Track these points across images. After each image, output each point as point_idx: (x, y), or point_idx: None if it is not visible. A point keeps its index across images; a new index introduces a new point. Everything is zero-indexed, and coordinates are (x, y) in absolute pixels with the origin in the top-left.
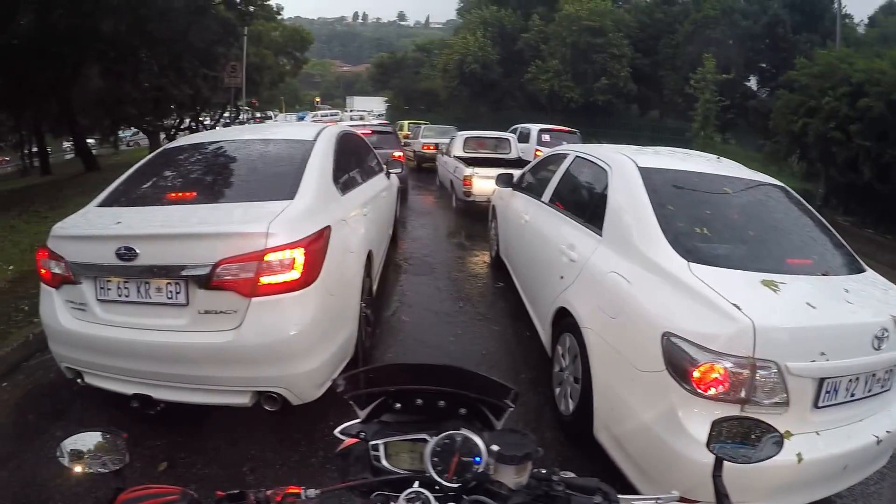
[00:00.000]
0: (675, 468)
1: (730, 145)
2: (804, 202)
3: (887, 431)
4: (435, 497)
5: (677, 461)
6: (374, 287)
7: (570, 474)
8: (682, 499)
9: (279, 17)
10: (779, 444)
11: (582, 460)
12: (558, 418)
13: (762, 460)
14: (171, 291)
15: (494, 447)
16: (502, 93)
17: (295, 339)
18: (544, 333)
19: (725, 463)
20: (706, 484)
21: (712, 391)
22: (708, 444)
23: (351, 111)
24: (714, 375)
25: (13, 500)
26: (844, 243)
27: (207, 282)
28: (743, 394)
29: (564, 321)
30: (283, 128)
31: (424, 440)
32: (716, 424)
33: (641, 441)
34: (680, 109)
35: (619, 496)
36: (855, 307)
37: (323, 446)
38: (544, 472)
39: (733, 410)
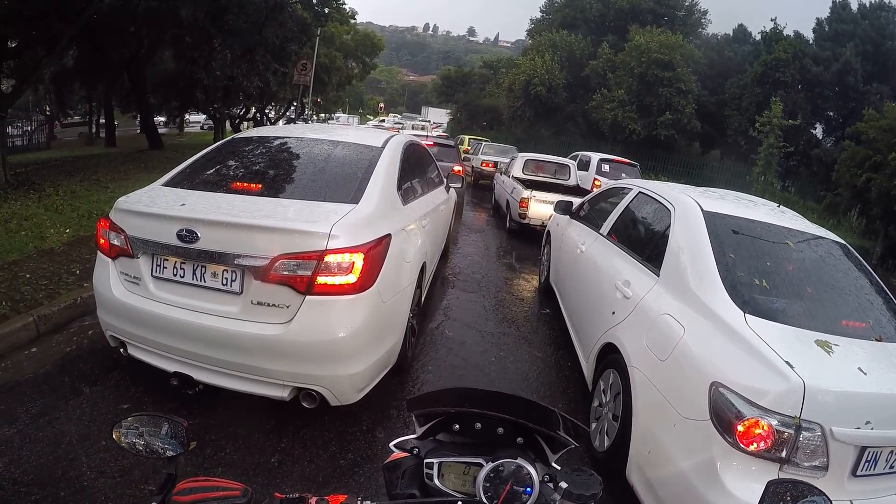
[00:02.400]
0: None
1: (789, 193)
2: (863, 261)
3: None
4: None
5: None
6: (423, 298)
7: None
8: None
9: (353, 21)
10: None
11: (609, 500)
12: (591, 454)
13: None
14: (226, 278)
15: (563, 483)
16: (565, 118)
17: (344, 342)
18: (587, 366)
19: None
20: None
21: (754, 447)
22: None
23: (419, 120)
24: (758, 431)
25: (38, 457)
26: None
27: (264, 274)
28: (784, 453)
29: (610, 357)
30: (351, 131)
31: (480, 464)
32: (770, 486)
33: (675, 488)
34: (742, 152)
35: None
36: None
37: (353, 449)
38: None
39: (772, 469)
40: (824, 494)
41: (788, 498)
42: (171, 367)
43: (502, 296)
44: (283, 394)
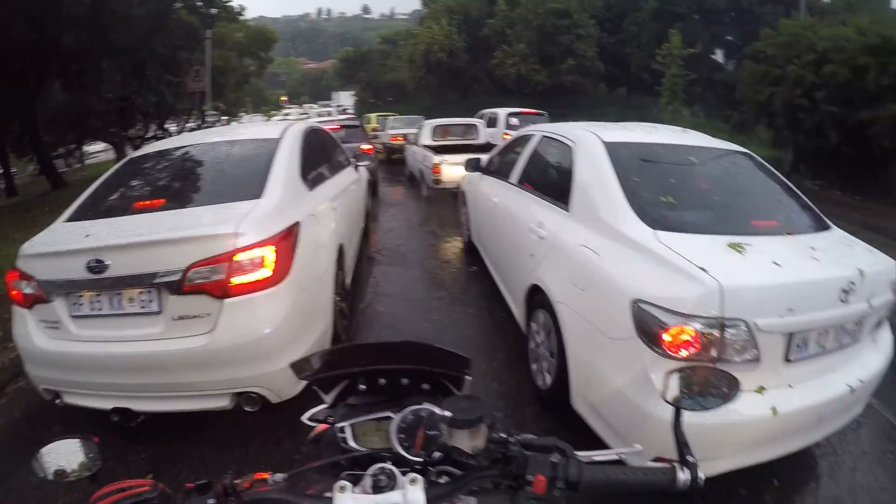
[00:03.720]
0: (650, 429)
1: (698, 118)
2: (769, 167)
3: (860, 380)
4: (402, 471)
5: (651, 422)
6: (348, 280)
7: (530, 436)
8: (658, 458)
9: (242, 18)
10: (734, 391)
11: (562, 432)
12: (537, 393)
13: (718, 407)
14: (143, 300)
15: (447, 413)
16: (470, 80)
17: (270, 337)
18: (518, 312)
19: (706, 422)
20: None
21: (683, 353)
22: (664, 395)
23: (334, 106)
24: (684, 337)
25: None
26: (810, 204)
27: (179, 287)
28: (714, 353)
29: (537, 298)
30: (248, 127)
31: (389, 418)
32: (671, 375)
33: (617, 406)
34: (648, 86)
35: (577, 452)
36: (820, 263)
37: (305, 441)
38: (500, 435)
39: None
40: (724, 372)
41: (695, 386)
42: (109, 405)
43: (429, 262)
44: (225, 403)
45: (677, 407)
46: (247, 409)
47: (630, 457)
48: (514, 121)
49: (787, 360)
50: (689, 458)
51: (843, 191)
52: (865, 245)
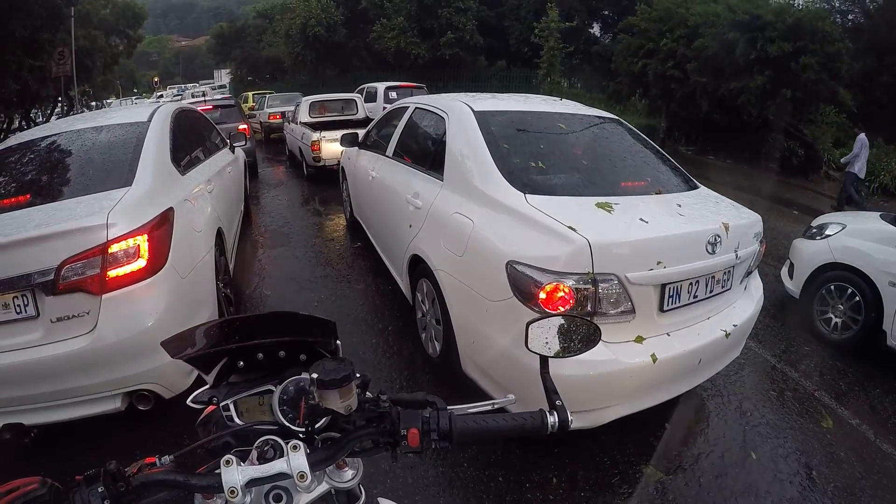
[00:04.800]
0: (534, 383)
1: (576, 89)
2: (638, 132)
3: (734, 325)
4: (286, 442)
5: (535, 376)
6: (232, 266)
7: (403, 394)
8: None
9: None
10: (595, 338)
11: (457, 398)
12: (429, 362)
13: (581, 353)
14: (18, 306)
15: (314, 375)
16: (348, 54)
17: (153, 330)
18: (403, 283)
19: (591, 373)
20: (566, 394)
21: (560, 309)
22: (527, 345)
23: (216, 86)
24: (560, 294)
25: None
26: (678, 166)
27: (54, 286)
28: (589, 307)
29: (419, 268)
30: (115, 112)
31: (270, 391)
32: (531, 326)
33: (503, 366)
34: (527, 59)
35: (450, 406)
36: (687, 218)
37: (195, 426)
38: (372, 394)
39: None
40: (584, 319)
41: (558, 335)
42: None
43: (313, 241)
44: (117, 404)
45: (542, 356)
46: (140, 408)
47: (505, 406)
48: (394, 94)
49: (662, 310)
50: (557, 403)
51: (716, 155)
52: (731, 201)
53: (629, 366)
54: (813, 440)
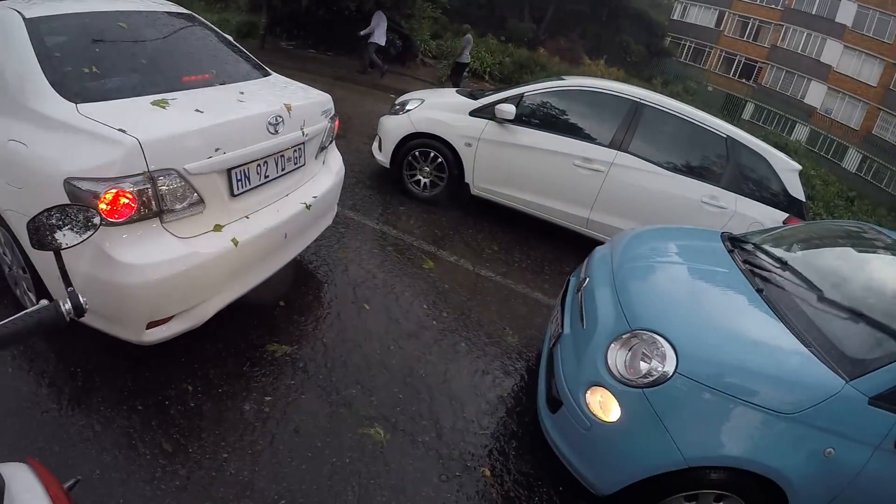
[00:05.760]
0: (127, 298)
1: None
2: (211, 25)
3: (314, 197)
4: None
5: (125, 291)
6: None
7: None
8: (151, 324)
9: None
10: (95, 218)
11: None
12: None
13: (89, 237)
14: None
15: None
16: None
17: None
18: None
19: (174, 271)
20: (160, 300)
21: (125, 217)
22: (32, 245)
23: None
24: (123, 201)
25: None
26: (251, 56)
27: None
28: (154, 207)
29: None
30: None
31: None
32: (29, 225)
33: (94, 293)
34: None
35: None
36: (247, 104)
37: None
38: None
39: (154, 226)
40: (81, 206)
41: (55, 224)
42: None
43: None
44: None
45: (51, 249)
46: None
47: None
48: None
49: (234, 194)
50: (69, 290)
51: (317, 49)
52: (301, 85)
53: (212, 254)
54: (419, 281)
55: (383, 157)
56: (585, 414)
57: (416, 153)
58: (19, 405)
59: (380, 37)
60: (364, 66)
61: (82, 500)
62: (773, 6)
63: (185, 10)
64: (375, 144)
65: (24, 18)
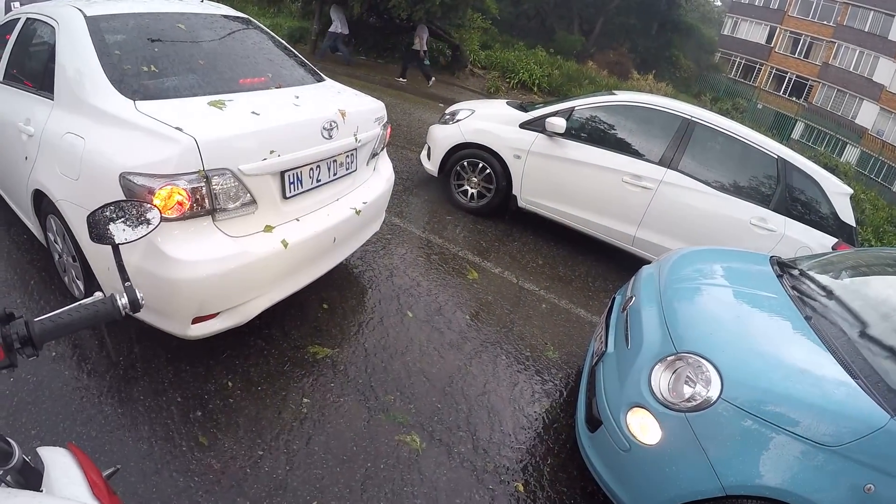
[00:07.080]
0: (176, 293)
1: None
2: (266, 29)
3: (364, 202)
4: None
5: (175, 286)
6: None
7: None
8: (196, 319)
9: None
10: (154, 216)
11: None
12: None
13: (144, 235)
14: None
15: None
16: None
17: None
18: (32, 225)
19: (224, 269)
20: (207, 296)
21: (178, 213)
22: (91, 238)
23: None
24: (176, 198)
25: None
26: (306, 61)
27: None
28: (207, 205)
29: (44, 203)
30: None
31: None
32: (89, 219)
33: (143, 286)
34: None
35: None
36: (302, 108)
37: None
38: None
39: (206, 224)
40: (137, 202)
41: (113, 218)
42: None
43: None
44: None
45: (110, 244)
46: None
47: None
48: (17, 4)
49: (286, 196)
50: (126, 285)
51: (368, 55)
52: (354, 91)
53: (260, 255)
54: (463, 291)
55: (432, 165)
56: (625, 435)
57: (465, 163)
58: (61, 389)
59: (342, 27)
60: (322, 52)
61: (115, 486)
62: (825, 22)
63: (241, 14)
64: (424, 153)
65: (84, 16)
